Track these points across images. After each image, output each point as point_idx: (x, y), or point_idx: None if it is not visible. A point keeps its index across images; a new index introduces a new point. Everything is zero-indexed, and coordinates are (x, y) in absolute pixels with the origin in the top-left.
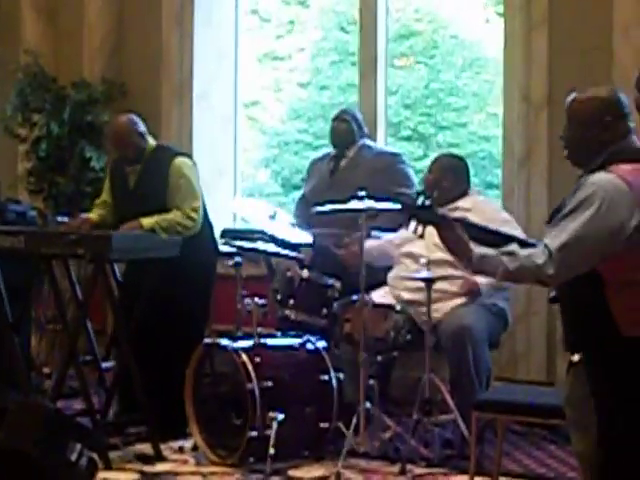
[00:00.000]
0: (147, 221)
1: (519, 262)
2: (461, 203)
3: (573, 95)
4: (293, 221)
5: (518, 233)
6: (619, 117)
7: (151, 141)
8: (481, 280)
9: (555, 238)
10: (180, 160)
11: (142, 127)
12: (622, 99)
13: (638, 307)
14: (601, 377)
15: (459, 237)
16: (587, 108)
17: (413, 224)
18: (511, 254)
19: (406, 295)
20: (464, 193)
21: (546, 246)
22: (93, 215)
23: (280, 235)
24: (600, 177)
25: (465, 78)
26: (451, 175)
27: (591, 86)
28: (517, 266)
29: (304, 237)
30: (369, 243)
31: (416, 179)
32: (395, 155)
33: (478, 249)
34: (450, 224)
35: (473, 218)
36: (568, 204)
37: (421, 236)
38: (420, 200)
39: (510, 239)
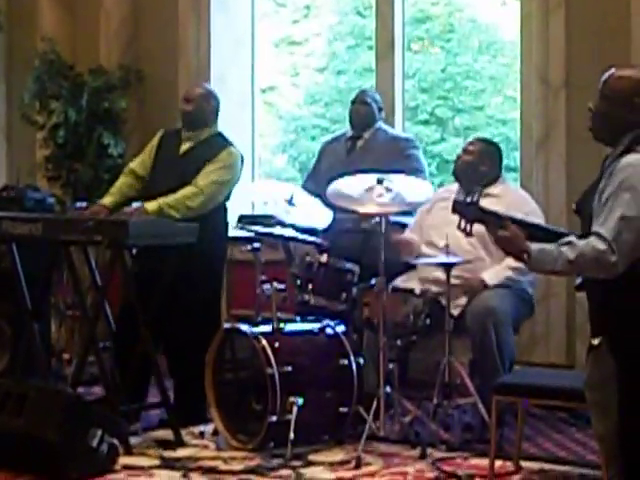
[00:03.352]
0: (151, 205)
1: (579, 250)
2: (491, 190)
3: (611, 71)
4: (312, 199)
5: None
6: None
7: (217, 127)
8: (487, 277)
9: (605, 225)
10: (233, 150)
11: (218, 109)
12: None
13: None
14: (627, 360)
15: (514, 233)
16: (617, 86)
17: (460, 221)
18: (569, 243)
19: (434, 288)
20: (495, 179)
21: (599, 234)
22: (107, 200)
23: (298, 222)
24: (634, 158)
25: (482, 61)
26: (488, 160)
27: (608, 68)
28: (577, 254)
29: (325, 215)
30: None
31: (426, 164)
32: (408, 140)
33: (534, 244)
34: (504, 222)
35: (500, 206)
36: (606, 189)
37: (469, 234)
38: (464, 197)
39: (561, 235)
